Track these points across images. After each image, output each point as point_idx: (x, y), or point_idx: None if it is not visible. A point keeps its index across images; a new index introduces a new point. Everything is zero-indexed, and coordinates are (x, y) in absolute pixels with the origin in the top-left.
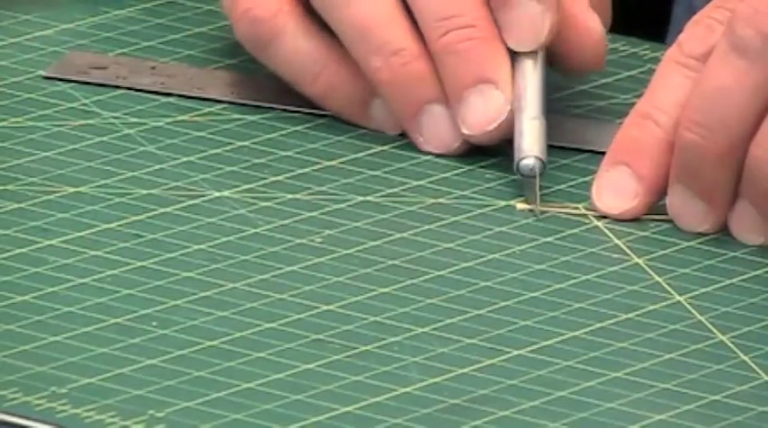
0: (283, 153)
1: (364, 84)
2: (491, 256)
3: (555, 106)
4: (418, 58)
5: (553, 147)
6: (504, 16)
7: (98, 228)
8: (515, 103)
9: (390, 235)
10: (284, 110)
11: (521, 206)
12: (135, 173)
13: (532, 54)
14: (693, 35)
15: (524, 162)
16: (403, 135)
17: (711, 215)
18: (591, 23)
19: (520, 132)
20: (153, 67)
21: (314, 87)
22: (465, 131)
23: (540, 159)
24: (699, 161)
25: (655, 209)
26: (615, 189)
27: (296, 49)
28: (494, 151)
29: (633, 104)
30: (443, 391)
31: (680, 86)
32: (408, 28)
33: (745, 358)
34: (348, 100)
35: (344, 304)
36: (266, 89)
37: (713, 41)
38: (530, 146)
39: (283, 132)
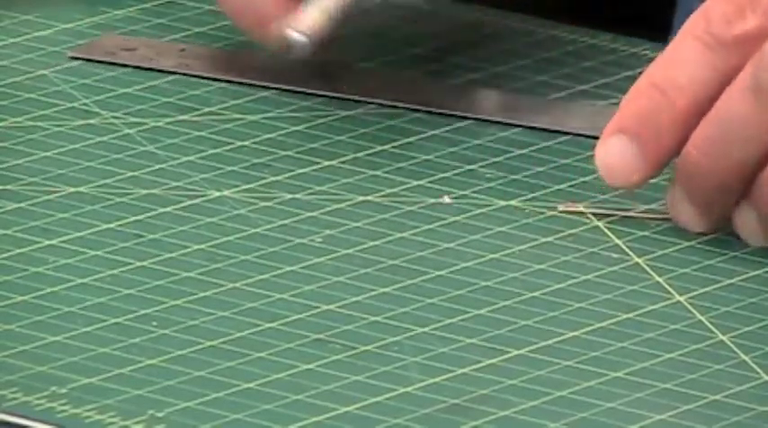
0: (283, 152)
1: (269, 5)
2: (491, 256)
3: None
4: None
5: (559, 142)
6: None
7: (98, 228)
8: None
9: (390, 235)
10: (304, 93)
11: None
12: (135, 173)
13: None
14: (723, 15)
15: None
16: (404, 133)
17: (708, 221)
18: None
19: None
20: (182, 50)
21: (224, 6)
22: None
23: (306, 35)
24: (702, 183)
25: (654, 209)
26: (620, 160)
27: None
28: (494, 151)
29: None
30: (443, 391)
31: (696, 64)
32: None
33: (746, 358)
34: (252, 19)
35: (345, 304)
36: (288, 73)
37: (739, 30)
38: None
39: (283, 132)
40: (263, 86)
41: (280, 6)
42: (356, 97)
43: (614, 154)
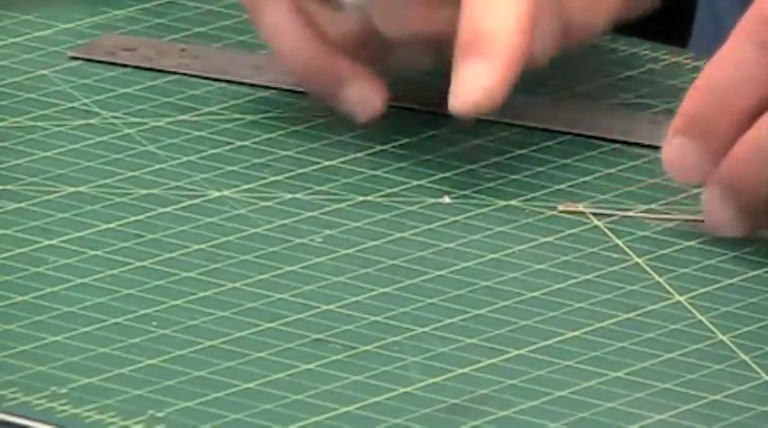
0: (283, 152)
1: (339, 68)
2: (491, 256)
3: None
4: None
5: (559, 142)
6: None
7: (98, 228)
8: None
9: (390, 234)
10: (304, 93)
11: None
12: (135, 173)
13: None
14: None
15: None
16: (404, 133)
17: (744, 226)
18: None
19: None
20: (183, 50)
21: (292, 66)
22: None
23: None
24: (746, 187)
25: (654, 209)
26: (680, 159)
27: (276, 26)
28: (494, 151)
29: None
30: (443, 391)
31: (752, 66)
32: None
33: (746, 358)
34: (322, 82)
35: (344, 304)
36: (289, 73)
37: None
38: None
39: (283, 132)
40: (263, 86)
41: (351, 69)
42: None
43: (677, 155)
